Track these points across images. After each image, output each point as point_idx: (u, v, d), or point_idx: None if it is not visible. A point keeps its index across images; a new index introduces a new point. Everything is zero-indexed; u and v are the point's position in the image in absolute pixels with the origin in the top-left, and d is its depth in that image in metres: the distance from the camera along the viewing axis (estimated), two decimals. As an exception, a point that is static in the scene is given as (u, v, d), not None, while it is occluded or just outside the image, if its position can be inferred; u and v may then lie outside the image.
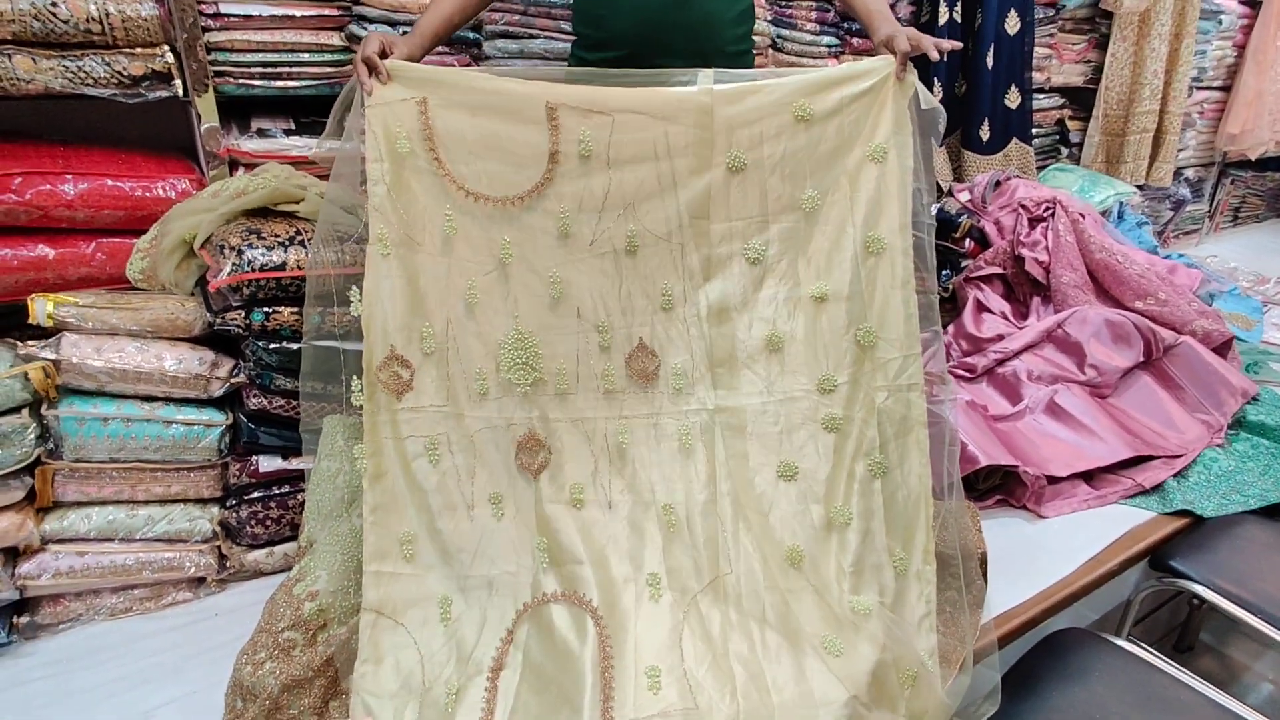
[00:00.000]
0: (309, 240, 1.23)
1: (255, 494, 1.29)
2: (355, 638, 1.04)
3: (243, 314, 1.20)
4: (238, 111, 1.46)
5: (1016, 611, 1.24)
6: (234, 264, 1.16)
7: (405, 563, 1.05)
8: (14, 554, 1.15)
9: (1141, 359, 1.77)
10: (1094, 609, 1.44)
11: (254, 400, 1.25)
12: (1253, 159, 3.16)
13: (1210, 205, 3.31)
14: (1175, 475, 1.56)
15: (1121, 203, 2.40)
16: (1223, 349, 1.84)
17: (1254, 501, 1.51)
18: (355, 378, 1.08)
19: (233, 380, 1.25)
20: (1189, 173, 3.13)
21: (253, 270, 1.16)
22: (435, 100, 1.06)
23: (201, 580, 1.28)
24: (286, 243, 1.21)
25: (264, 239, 1.19)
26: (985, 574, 1.23)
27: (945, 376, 1.73)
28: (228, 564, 1.29)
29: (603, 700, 0.93)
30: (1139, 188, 2.60)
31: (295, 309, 1.21)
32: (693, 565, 1.09)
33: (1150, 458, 1.60)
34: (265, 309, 1.21)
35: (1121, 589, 1.44)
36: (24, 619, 1.16)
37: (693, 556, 1.09)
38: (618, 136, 1.07)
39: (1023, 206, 2.09)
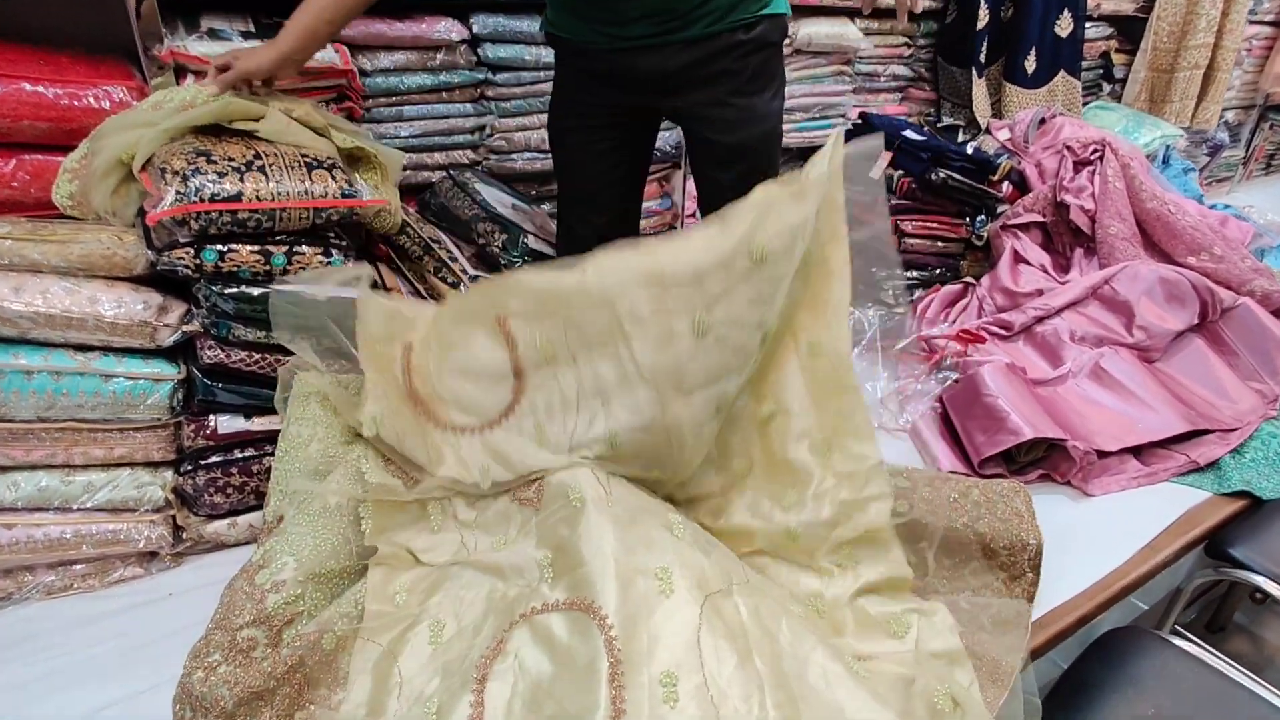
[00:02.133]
0: (271, 166, 1.04)
1: (214, 458, 1.12)
2: (327, 636, 0.90)
3: (191, 252, 1.01)
4: (185, 7, 1.24)
5: (1067, 608, 1.12)
6: (177, 193, 0.97)
7: (396, 608, 0.92)
8: (-72, 526, 0.99)
9: (1195, 321, 1.62)
10: (1143, 598, 1.32)
11: (209, 353, 1.08)
12: (1297, 102, 2.97)
13: (1246, 151, 3.12)
14: (1231, 451, 1.43)
15: (1168, 146, 2.21)
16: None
17: (1317, 483, 1.39)
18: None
19: (185, 328, 1.07)
20: (1229, 115, 2.93)
21: (201, 201, 0.97)
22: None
23: (154, 555, 1.13)
24: (243, 168, 1.01)
25: (215, 163, 1.00)
26: (1039, 566, 1.10)
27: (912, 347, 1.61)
28: (184, 536, 1.13)
29: (613, 715, 0.79)
30: (1183, 130, 2.41)
31: (256, 247, 1.03)
32: (706, 563, 0.95)
33: (1204, 431, 1.46)
34: (219, 246, 1.02)
35: (1172, 577, 1.32)
36: (-56, 599, 1.01)
37: (706, 556, 0.96)
38: (573, 332, 0.96)
39: (1068, 148, 1.90)
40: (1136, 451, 1.43)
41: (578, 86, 1.30)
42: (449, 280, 1.23)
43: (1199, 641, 1.15)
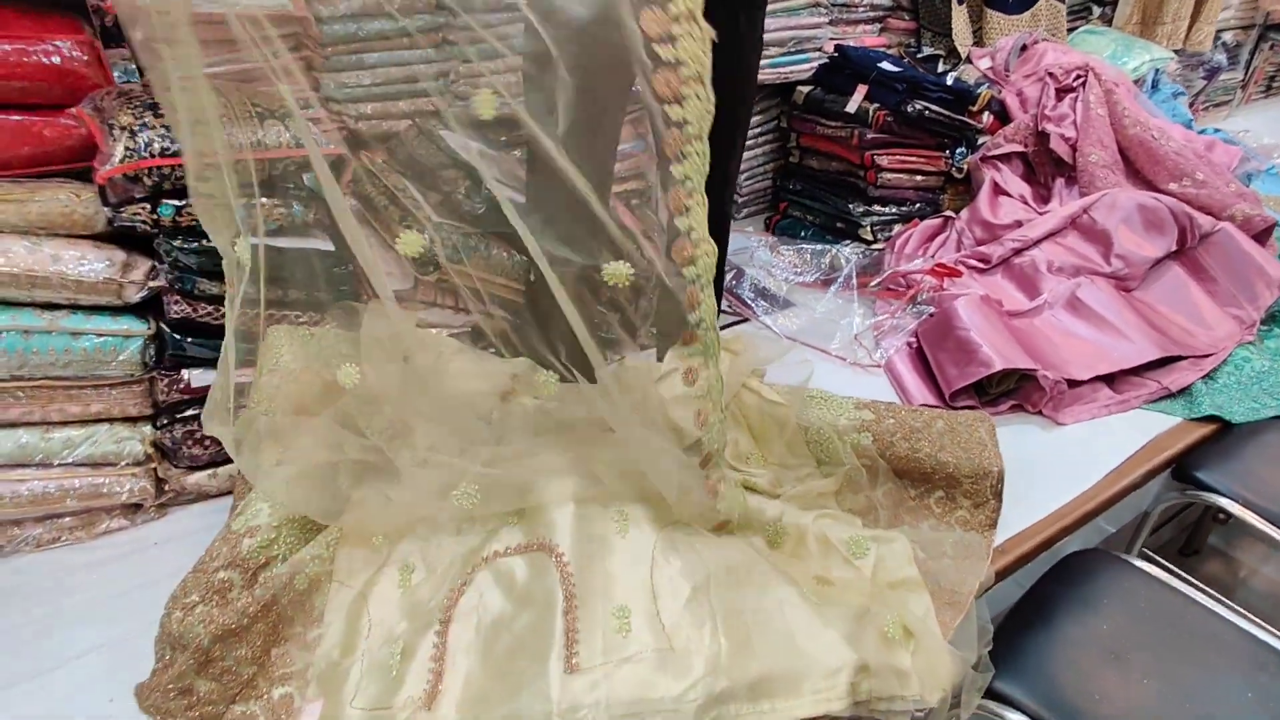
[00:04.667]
0: (222, 118, 1.03)
1: (190, 411, 1.15)
2: (300, 577, 0.93)
3: (148, 207, 1.01)
4: (133, -43, 1.21)
5: (1031, 532, 1.14)
6: (126, 148, 0.96)
7: (372, 550, 0.94)
8: (-86, 485, 1.02)
9: (1174, 248, 1.61)
10: (1110, 521, 1.35)
11: (176, 308, 1.09)
12: (1299, 20, 2.88)
13: (1245, 74, 3.04)
14: (1204, 377, 1.44)
15: (1157, 70, 2.16)
16: (1262, 236, 1.68)
17: (1288, 406, 1.40)
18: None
19: (151, 284, 1.08)
20: (1226, 36, 2.84)
21: (151, 156, 0.97)
22: None
23: (138, 506, 1.16)
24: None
25: (163, 116, 0.99)
26: (1000, 493, 1.12)
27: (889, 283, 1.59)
28: (166, 488, 1.16)
29: (566, 646, 0.82)
30: (1175, 53, 2.35)
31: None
32: (664, 503, 0.97)
33: (1178, 358, 1.47)
34: (175, 201, 1.02)
35: (1139, 501, 1.34)
36: (-64, 554, 1.05)
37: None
38: None
39: (1050, 75, 1.87)
40: (1109, 380, 1.43)
41: None
42: (415, 229, 1.23)
43: (1161, 562, 1.18)
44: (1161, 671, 0.98)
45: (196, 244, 1.05)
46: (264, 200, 1.07)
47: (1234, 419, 1.36)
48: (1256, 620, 1.06)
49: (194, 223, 1.04)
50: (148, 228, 1.03)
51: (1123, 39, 2.20)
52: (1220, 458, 1.32)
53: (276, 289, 1.11)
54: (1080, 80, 1.82)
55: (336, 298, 1.15)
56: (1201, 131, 2.09)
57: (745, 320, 1.67)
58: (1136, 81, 2.08)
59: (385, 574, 0.94)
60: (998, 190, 1.81)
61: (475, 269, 1.26)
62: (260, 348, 1.06)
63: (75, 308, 1.06)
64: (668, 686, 0.78)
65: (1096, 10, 2.38)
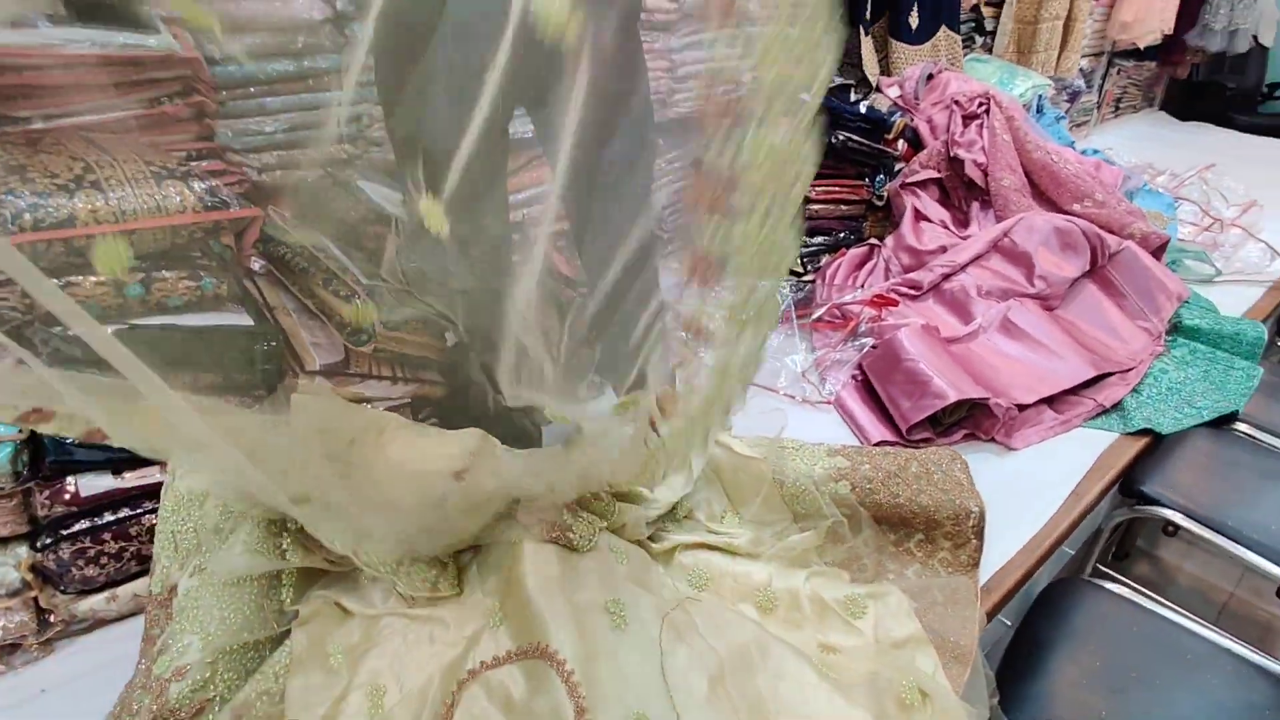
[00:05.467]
0: (109, 179, 0.87)
1: (78, 525, 0.96)
2: (249, 717, 0.78)
3: (18, 290, 0.84)
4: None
5: (1010, 568, 1.13)
6: (-9, 222, 0.80)
7: (330, 674, 0.80)
8: None
9: (1087, 267, 1.68)
10: (1069, 544, 1.37)
11: (57, 405, 0.91)
12: (1141, 47, 3.15)
13: (1099, 96, 3.30)
14: (1131, 391, 1.50)
15: (1040, 95, 2.29)
16: (1157, 252, 1.79)
17: (1206, 414, 1.47)
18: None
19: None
20: (1083, 63, 3.08)
21: (21, 230, 0.80)
22: None
23: (15, 646, 0.96)
24: (72, 185, 0.85)
25: (32, 181, 0.83)
26: (982, 532, 1.10)
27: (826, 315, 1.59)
28: (51, 619, 0.97)
29: (590, 769, 0.73)
30: (1049, 79, 2.50)
31: (100, 279, 0.87)
32: (655, 584, 0.90)
33: (1107, 375, 1.53)
34: (55, 281, 0.85)
35: (1093, 518, 1.38)
36: None
37: (653, 576, 0.90)
38: None
39: (956, 103, 1.93)
40: (1050, 401, 1.47)
41: None
42: (342, 294, 1.09)
43: (1129, 583, 1.20)
44: (1158, 700, 0.99)
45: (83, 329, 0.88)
46: (167, 274, 0.92)
47: (1163, 430, 1.42)
48: (1232, 636, 1.09)
49: (82, 301, 0.87)
50: (17, 314, 0.86)
51: (1006, 67, 2.32)
52: (1158, 469, 1.37)
53: (185, 373, 0.96)
54: (984, 107, 1.89)
55: (259, 379, 1.01)
56: (1083, 152, 2.23)
57: (685, 363, 1.61)
58: (1025, 107, 2.19)
59: (351, 702, 0.81)
60: (919, 216, 1.84)
61: (412, 334, 1.14)
62: (171, 446, 0.91)
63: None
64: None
65: (979, 40, 2.50)
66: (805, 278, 1.81)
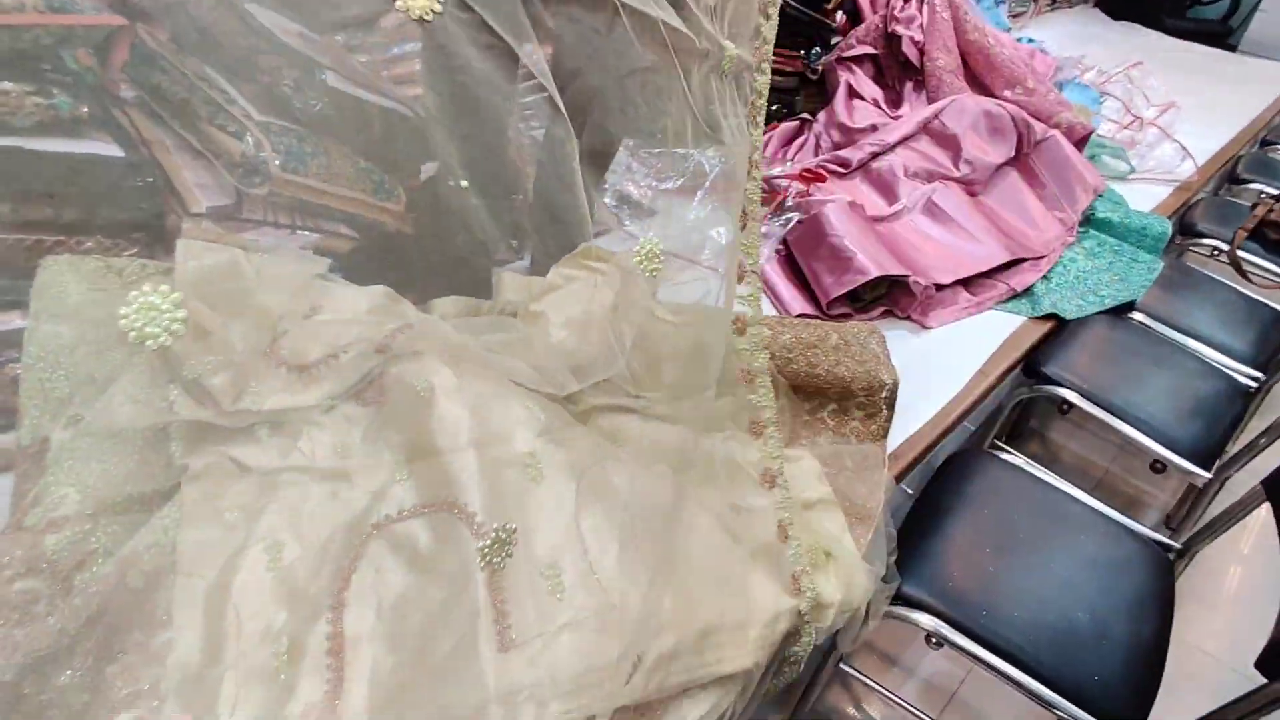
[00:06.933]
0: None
1: (-67, 373, 0.87)
2: (133, 573, 0.74)
3: None
4: None
5: (916, 439, 1.17)
6: None
7: (225, 529, 0.75)
8: None
9: (1012, 154, 1.69)
10: (971, 420, 1.43)
11: (-108, 235, 0.80)
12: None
13: (1038, -14, 3.26)
14: (1041, 277, 1.54)
15: (982, -23, 2.23)
16: (1080, 143, 1.81)
17: (1108, 302, 1.54)
18: None
19: None
20: (1026, -52, 3.01)
21: None
22: None
23: None
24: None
25: None
26: (893, 403, 1.13)
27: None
28: (-90, 473, 0.89)
29: (495, 619, 0.72)
30: (991, -39, 2.44)
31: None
32: (574, 441, 0.88)
33: (1020, 260, 1.56)
34: None
35: (995, 396, 1.43)
36: None
37: (572, 434, 0.89)
38: None
39: (898, -26, 1.85)
40: (966, 283, 1.50)
41: None
42: (230, 129, 0.98)
43: (1022, 456, 1.27)
44: (1040, 559, 1.06)
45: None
46: (10, 85, 0.80)
47: (1067, 315, 1.48)
48: (1105, 503, 1.17)
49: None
50: None
51: (950, -57, 2.23)
52: (1061, 352, 1.43)
53: (43, 207, 0.86)
54: (926, -18, 1.82)
55: (135, 218, 0.91)
56: (1018, 40, 2.20)
57: (609, 230, 1.56)
58: (965, -13, 2.13)
59: (248, 556, 0.78)
60: (852, 93, 1.80)
61: (315, 179, 1.04)
62: (34, 287, 0.82)
63: None
64: (613, 650, 0.70)
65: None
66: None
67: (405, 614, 0.72)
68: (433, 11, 0.87)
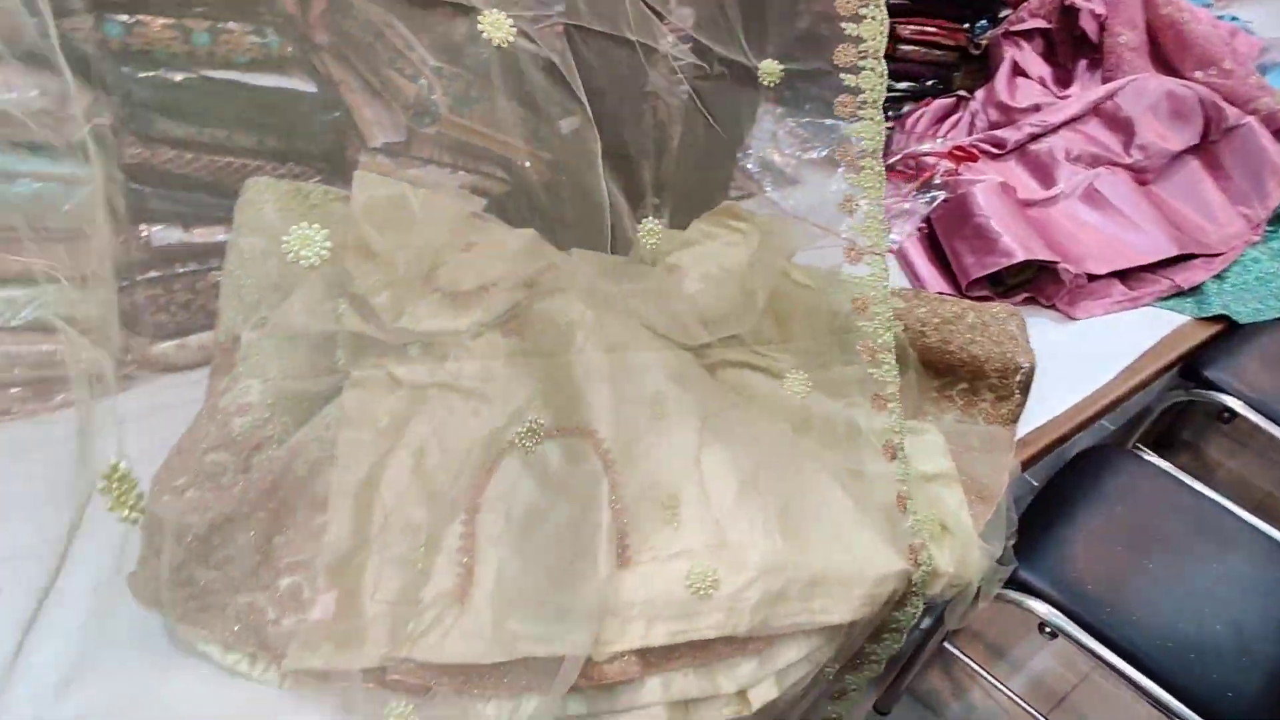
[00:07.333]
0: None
1: (152, 273, 1.01)
2: (299, 461, 0.84)
3: (90, 21, 0.84)
4: None
5: (1049, 428, 1.13)
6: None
7: (377, 433, 0.84)
8: None
9: (1196, 140, 1.56)
10: (1113, 419, 1.35)
11: (131, 150, 0.93)
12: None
13: (1250, -39, 2.93)
14: (1214, 276, 1.42)
15: (1181, -53, 2.04)
16: (1279, 134, 1.64)
17: (1291, 307, 1.40)
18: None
19: (95, 121, 0.91)
20: (1240, -82, 2.71)
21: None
22: None
23: (99, 378, 1.03)
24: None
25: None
26: (1028, 388, 1.09)
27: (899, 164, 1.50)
28: (129, 358, 1.04)
29: (616, 539, 0.77)
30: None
31: (170, 20, 0.86)
32: (700, 385, 0.91)
33: (1190, 255, 1.44)
34: (123, 17, 0.85)
35: (1143, 397, 1.35)
36: None
37: (699, 379, 0.91)
38: None
39: (1084, -58, 1.73)
40: (1122, 275, 1.40)
41: None
42: (407, 73, 1.07)
43: (1169, 464, 1.19)
44: (1173, 559, 1.00)
45: (152, 73, 0.88)
46: (233, 25, 0.91)
47: (1240, 319, 1.36)
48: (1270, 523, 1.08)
49: (149, 47, 0.87)
50: (89, 49, 0.86)
51: (1150, -90, 2.05)
52: (1227, 357, 1.32)
53: (251, 134, 0.97)
54: (1115, -49, 1.69)
55: (322, 149, 1.01)
56: (1219, 17, 2.00)
57: (751, 195, 1.57)
58: (1160, -42, 1.96)
59: (395, 458, 0.86)
60: (1016, 70, 1.70)
61: (477, 123, 1.11)
62: (237, 204, 0.92)
63: (9, 144, 0.89)
64: (722, 582, 0.73)
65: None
66: (884, 124, 1.71)
67: (532, 524, 0.78)
68: None
